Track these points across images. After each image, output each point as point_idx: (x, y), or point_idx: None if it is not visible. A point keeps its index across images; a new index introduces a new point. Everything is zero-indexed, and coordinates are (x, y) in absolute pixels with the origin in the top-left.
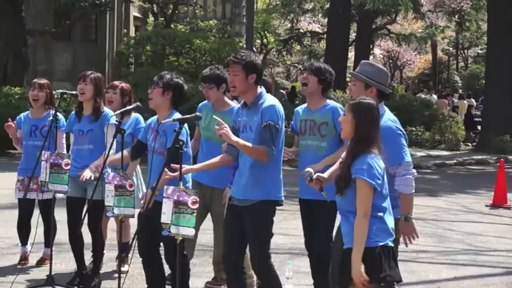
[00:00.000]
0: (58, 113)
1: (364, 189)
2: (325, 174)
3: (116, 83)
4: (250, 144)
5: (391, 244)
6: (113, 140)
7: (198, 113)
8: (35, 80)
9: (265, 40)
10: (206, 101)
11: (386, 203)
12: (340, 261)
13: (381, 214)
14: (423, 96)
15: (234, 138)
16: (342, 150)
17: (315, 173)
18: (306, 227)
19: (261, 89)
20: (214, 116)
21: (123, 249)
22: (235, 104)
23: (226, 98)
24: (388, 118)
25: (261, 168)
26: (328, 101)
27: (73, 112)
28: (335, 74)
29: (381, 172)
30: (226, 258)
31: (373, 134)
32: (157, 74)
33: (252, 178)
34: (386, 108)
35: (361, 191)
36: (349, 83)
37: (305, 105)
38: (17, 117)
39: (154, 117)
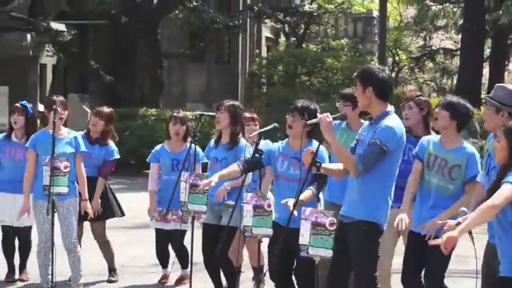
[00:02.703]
0: (195, 145)
1: (507, 189)
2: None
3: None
4: (344, 150)
5: None
6: (252, 160)
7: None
8: (174, 114)
9: (397, 58)
10: (339, 121)
11: None
12: None
13: None
14: None
15: (333, 136)
16: (463, 201)
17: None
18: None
19: (390, 108)
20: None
21: (260, 269)
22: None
23: (362, 120)
24: None
25: (367, 188)
26: (465, 143)
27: (213, 139)
28: (470, 92)
29: None
30: (329, 277)
31: None
32: (289, 93)
33: (357, 196)
34: None
35: (503, 190)
36: (483, 101)
37: (437, 138)
38: (153, 152)
39: (281, 143)
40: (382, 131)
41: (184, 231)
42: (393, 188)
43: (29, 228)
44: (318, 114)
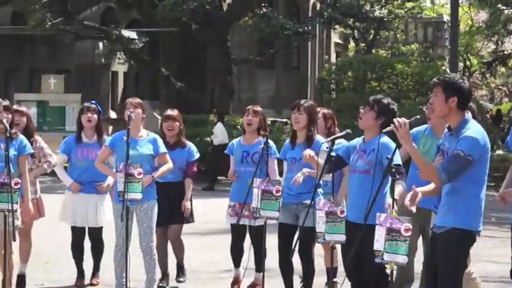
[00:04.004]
0: (269, 141)
1: None
2: None
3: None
4: (424, 159)
5: None
6: (324, 167)
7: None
8: (249, 106)
9: (468, 63)
10: (423, 127)
11: None
12: None
13: None
14: None
15: (411, 145)
16: None
17: None
18: None
19: (467, 116)
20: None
21: (333, 275)
22: None
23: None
24: None
25: (458, 197)
26: None
27: (288, 140)
28: None
29: None
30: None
31: None
32: (359, 99)
33: (447, 205)
34: None
35: None
36: None
37: None
38: (230, 144)
39: (359, 139)
40: (465, 142)
41: (261, 227)
42: (484, 193)
43: (101, 228)
44: (391, 108)
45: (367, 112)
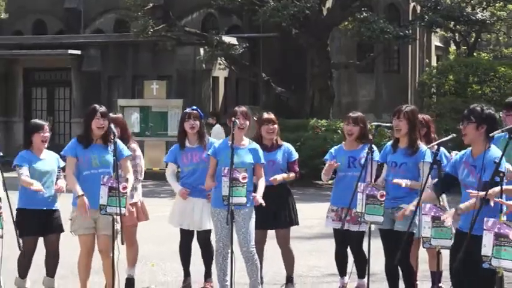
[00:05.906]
0: (374, 146)
1: None
2: None
3: None
4: None
5: None
6: (428, 177)
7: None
8: (350, 114)
9: None
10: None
11: None
12: None
13: None
14: None
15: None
16: None
17: None
18: None
19: None
20: None
21: (439, 279)
22: None
23: None
24: None
25: None
26: None
27: (389, 143)
28: None
29: None
30: None
31: None
32: (460, 103)
33: None
34: None
35: None
36: None
37: None
38: (329, 153)
39: (465, 151)
40: None
41: (361, 233)
42: None
43: (209, 232)
44: (487, 112)
45: (466, 126)
